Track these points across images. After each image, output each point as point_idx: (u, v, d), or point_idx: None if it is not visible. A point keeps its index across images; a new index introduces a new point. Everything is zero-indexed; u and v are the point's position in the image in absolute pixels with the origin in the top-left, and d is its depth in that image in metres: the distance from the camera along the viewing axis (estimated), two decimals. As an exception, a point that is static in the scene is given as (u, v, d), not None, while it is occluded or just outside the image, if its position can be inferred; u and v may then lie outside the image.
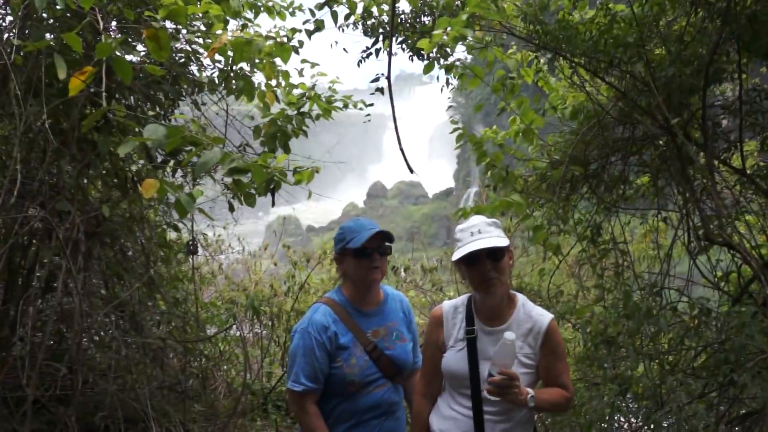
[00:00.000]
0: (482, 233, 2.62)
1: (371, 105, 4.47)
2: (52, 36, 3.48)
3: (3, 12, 3.81)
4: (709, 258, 4.59)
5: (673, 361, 3.90)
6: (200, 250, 9.18)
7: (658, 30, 4.18)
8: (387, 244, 2.96)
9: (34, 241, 4.22)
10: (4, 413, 4.03)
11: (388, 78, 3.40)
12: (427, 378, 2.89)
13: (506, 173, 4.38)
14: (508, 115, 5.21)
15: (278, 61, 3.84)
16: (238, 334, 6.09)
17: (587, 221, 5.16)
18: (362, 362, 2.91)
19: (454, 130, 4.36)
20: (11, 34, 3.19)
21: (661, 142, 4.63)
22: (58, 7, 2.51)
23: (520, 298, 2.78)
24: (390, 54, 3.49)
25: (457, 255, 2.64)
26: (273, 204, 3.22)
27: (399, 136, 3.22)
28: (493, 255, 2.60)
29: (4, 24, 3.69)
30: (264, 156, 2.76)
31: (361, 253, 2.88)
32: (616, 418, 4.04)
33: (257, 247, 9.30)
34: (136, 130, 2.93)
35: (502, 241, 2.60)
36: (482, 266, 2.60)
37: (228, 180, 4.28)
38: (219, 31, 3.33)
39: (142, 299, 4.87)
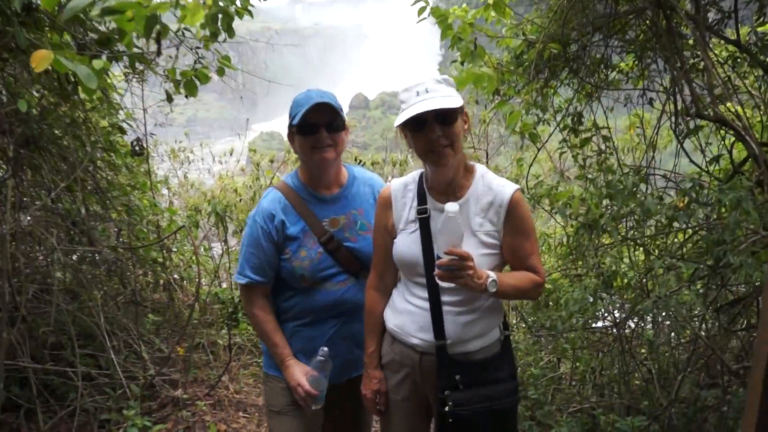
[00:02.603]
0: (430, 92, 2.16)
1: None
2: None
3: None
4: (698, 141, 4.26)
5: (660, 244, 3.64)
6: (167, 161, 8.77)
7: None
8: (339, 117, 2.50)
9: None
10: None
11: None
12: (378, 269, 2.53)
13: (474, 46, 3.94)
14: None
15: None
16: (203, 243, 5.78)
17: (567, 108, 4.81)
18: (314, 255, 2.54)
19: (416, 2, 3.86)
20: None
21: (647, 17, 4.23)
22: None
23: (480, 168, 2.37)
24: None
25: (400, 119, 2.20)
26: (159, 53, 2.75)
27: None
28: (443, 118, 2.16)
29: None
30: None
31: (306, 130, 2.47)
32: (599, 312, 3.81)
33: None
34: None
35: (454, 101, 2.15)
36: (430, 132, 2.17)
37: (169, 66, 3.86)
38: None
39: (90, 208, 4.51)
